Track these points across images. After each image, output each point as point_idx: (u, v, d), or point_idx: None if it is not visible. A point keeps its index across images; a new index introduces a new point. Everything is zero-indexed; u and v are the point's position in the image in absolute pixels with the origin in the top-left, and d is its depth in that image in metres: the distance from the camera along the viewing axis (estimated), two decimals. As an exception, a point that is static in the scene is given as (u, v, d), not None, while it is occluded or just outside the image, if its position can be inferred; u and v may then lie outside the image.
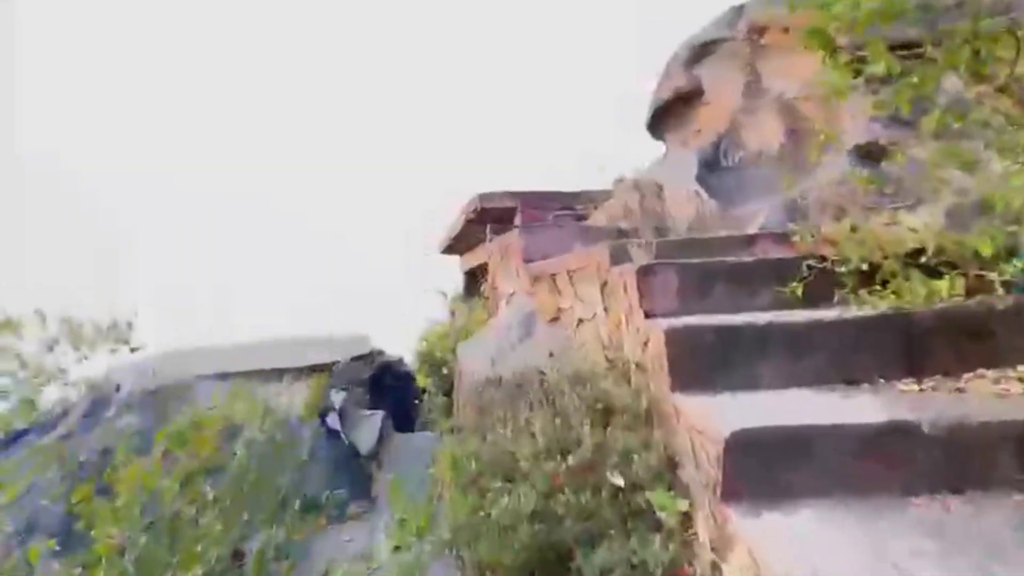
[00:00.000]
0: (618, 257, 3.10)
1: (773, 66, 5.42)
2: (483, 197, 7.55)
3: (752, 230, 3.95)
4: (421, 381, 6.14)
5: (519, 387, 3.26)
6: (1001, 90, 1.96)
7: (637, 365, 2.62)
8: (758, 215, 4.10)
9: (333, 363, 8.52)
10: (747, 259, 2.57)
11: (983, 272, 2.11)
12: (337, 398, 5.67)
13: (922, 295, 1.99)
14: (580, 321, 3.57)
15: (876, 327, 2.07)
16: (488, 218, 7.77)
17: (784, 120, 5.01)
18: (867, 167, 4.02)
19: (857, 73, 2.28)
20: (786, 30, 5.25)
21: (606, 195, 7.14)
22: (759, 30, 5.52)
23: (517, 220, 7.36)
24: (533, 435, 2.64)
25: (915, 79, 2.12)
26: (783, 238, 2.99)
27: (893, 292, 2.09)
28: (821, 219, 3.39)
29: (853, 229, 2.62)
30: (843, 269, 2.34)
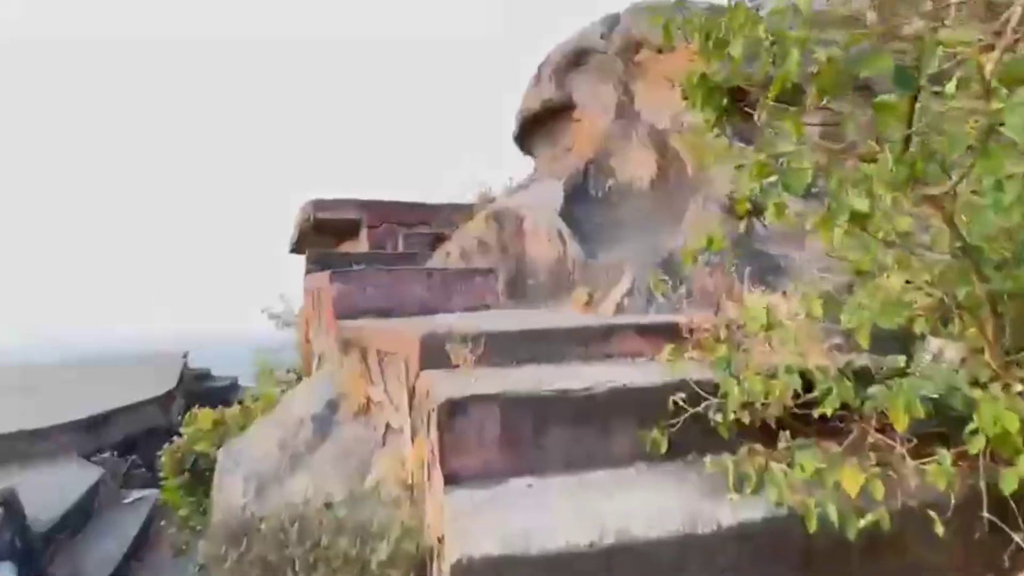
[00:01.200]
0: (432, 355, 2.15)
1: (646, 89, 4.92)
2: (317, 205, 6.09)
3: (618, 292, 3.34)
4: (169, 495, 4.20)
5: (282, 547, 2.16)
6: (929, 199, 1.37)
7: (437, 555, 1.71)
8: (623, 268, 3.49)
9: (95, 416, 6.25)
10: (599, 390, 1.79)
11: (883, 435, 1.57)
12: (53, 494, 3.65)
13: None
14: (388, 428, 2.57)
15: (764, 541, 1.39)
16: (328, 230, 6.36)
17: (655, 153, 4.53)
18: (736, 220, 3.67)
19: (727, 116, 1.63)
20: (660, 51, 4.75)
21: (469, 212, 6.23)
22: (633, 46, 4.97)
23: (362, 235, 6.09)
24: None
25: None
26: (648, 333, 2.29)
27: (786, 475, 1.44)
28: (695, 303, 2.83)
29: (729, 328, 2.02)
30: (719, 418, 1.68)
